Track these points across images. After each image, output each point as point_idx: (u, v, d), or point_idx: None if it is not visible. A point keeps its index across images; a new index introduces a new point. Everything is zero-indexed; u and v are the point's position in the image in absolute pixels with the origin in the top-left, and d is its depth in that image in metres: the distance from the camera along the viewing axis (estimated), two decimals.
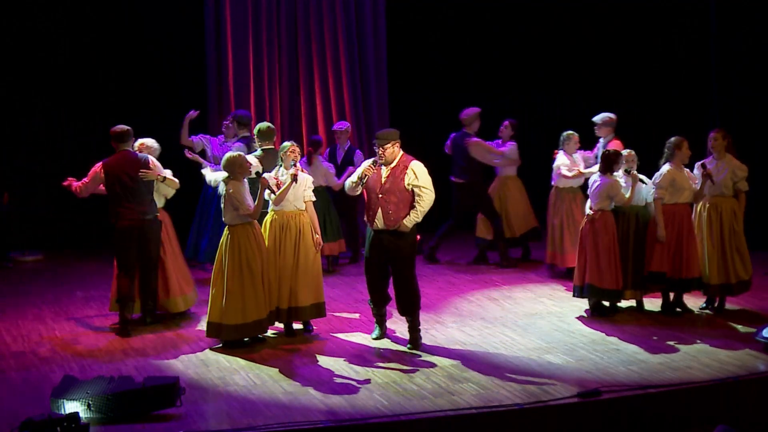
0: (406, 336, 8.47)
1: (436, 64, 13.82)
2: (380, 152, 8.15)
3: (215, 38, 12.18)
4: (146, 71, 12.59)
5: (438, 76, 13.82)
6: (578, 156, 10.70)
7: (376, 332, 8.63)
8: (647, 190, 9.18)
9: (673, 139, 9.12)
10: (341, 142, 11.59)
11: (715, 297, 9.35)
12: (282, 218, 8.55)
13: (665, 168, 9.06)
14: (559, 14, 13.82)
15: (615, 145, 10.11)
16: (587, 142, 10.88)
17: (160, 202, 9.11)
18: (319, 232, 8.69)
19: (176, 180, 9.01)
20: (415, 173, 8.14)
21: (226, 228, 8.30)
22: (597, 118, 10.68)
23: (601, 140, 10.65)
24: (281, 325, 8.76)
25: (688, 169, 9.19)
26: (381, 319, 8.64)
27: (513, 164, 11.54)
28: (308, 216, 8.64)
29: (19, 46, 12.21)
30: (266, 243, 8.47)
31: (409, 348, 8.29)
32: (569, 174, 10.50)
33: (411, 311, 8.32)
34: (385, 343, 8.43)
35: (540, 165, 11.70)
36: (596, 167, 10.21)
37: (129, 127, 8.84)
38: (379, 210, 8.13)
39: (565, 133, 10.67)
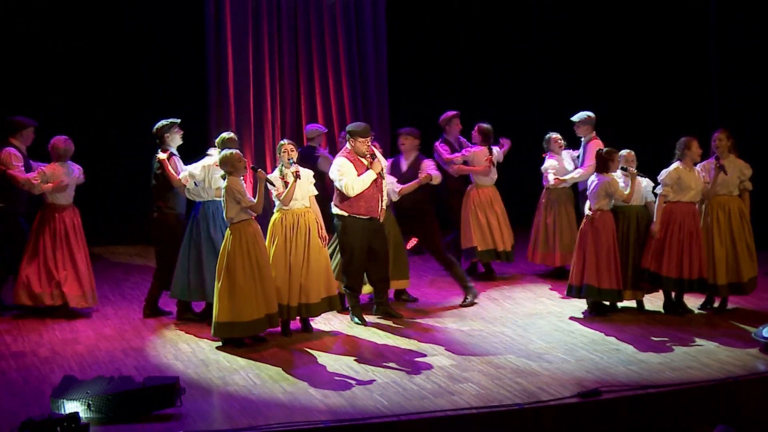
0: (406, 335, 8.50)
1: (437, 64, 13.81)
2: (372, 145, 8.94)
3: (215, 38, 12.18)
4: (146, 72, 12.58)
5: (438, 75, 13.81)
6: (566, 155, 10.66)
7: (359, 318, 8.99)
8: (647, 188, 9.17)
9: (682, 138, 9.10)
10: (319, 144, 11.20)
11: (717, 297, 9.33)
12: (291, 217, 8.54)
13: (673, 166, 9.03)
14: (559, 14, 13.82)
15: (595, 144, 10.05)
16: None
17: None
18: (324, 227, 8.72)
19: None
20: (380, 158, 9.01)
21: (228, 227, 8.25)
22: (576, 117, 10.46)
23: (582, 139, 10.50)
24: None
25: (698, 168, 9.14)
26: (359, 303, 9.10)
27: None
28: (314, 211, 8.67)
29: (18, 46, 12.20)
30: (275, 243, 8.47)
31: (402, 317, 9.14)
32: (551, 181, 10.47)
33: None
34: (386, 343, 8.44)
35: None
36: (577, 173, 10.25)
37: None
38: (380, 197, 8.89)
39: (546, 136, 10.63)
